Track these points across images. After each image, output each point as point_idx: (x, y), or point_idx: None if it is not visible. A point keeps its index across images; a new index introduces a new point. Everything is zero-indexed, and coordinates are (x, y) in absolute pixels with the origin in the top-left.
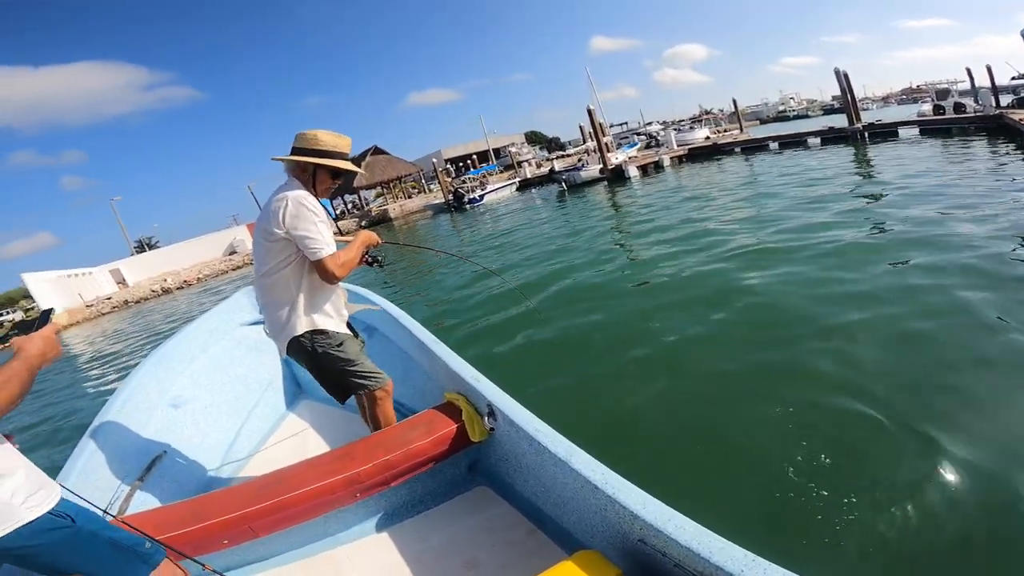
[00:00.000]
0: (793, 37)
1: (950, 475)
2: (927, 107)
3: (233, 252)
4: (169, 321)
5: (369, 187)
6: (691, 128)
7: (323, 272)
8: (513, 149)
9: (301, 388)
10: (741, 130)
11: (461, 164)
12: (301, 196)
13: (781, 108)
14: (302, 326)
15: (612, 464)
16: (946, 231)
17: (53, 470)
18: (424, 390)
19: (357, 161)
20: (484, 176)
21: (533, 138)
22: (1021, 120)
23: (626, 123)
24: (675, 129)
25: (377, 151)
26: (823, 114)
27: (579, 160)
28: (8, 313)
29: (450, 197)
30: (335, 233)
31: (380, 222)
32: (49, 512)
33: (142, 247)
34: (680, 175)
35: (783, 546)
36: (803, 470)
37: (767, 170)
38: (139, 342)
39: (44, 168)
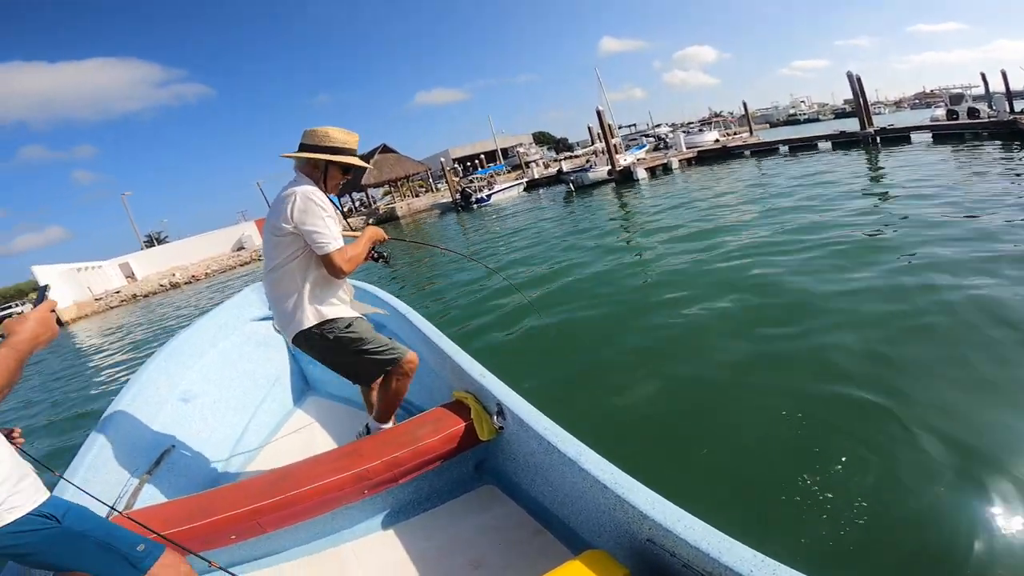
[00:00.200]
0: (805, 40)
1: (970, 478)
2: (940, 112)
3: (241, 248)
4: (178, 315)
5: (377, 185)
6: (700, 130)
7: (330, 266)
8: (521, 149)
9: (309, 384)
10: (751, 133)
11: (469, 164)
12: (309, 192)
13: (792, 111)
14: (310, 319)
15: (617, 461)
16: (950, 234)
17: (61, 463)
18: (432, 388)
19: (366, 159)
20: (492, 176)
21: (541, 139)
22: None
23: (634, 125)
24: (684, 131)
25: (386, 149)
26: (834, 118)
27: (587, 161)
28: (17, 305)
29: (457, 196)
30: (344, 229)
31: (387, 220)
32: (32, 512)
33: (151, 242)
34: (689, 178)
35: (792, 547)
36: (814, 470)
37: (776, 174)
38: (145, 336)
39: (56, 162)
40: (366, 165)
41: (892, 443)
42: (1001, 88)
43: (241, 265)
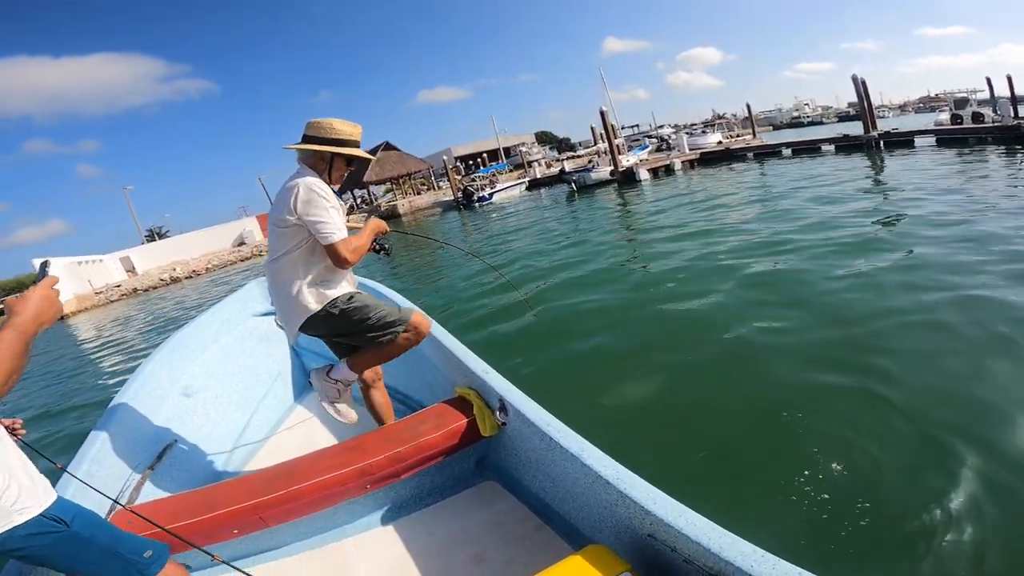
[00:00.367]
0: (810, 43)
1: (968, 480)
2: (945, 116)
3: (242, 243)
4: (179, 308)
5: (379, 182)
6: (703, 132)
7: (335, 256)
8: (523, 148)
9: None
10: (754, 135)
11: (471, 162)
12: (312, 183)
13: (795, 114)
14: (313, 303)
15: (609, 450)
16: (948, 235)
17: (54, 453)
18: (434, 384)
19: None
20: (494, 175)
21: (543, 138)
22: None
23: (637, 125)
24: (687, 133)
25: (388, 147)
26: (838, 121)
27: (589, 161)
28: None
29: (459, 195)
30: (364, 218)
31: (388, 218)
32: (42, 515)
33: (153, 236)
34: (691, 179)
35: (795, 544)
36: (815, 469)
37: (779, 176)
38: (146, 329)
39: (59, 156)
40: (370, 157)
41: (892, 434)
42: (1006, 93)
43: (242, 260)
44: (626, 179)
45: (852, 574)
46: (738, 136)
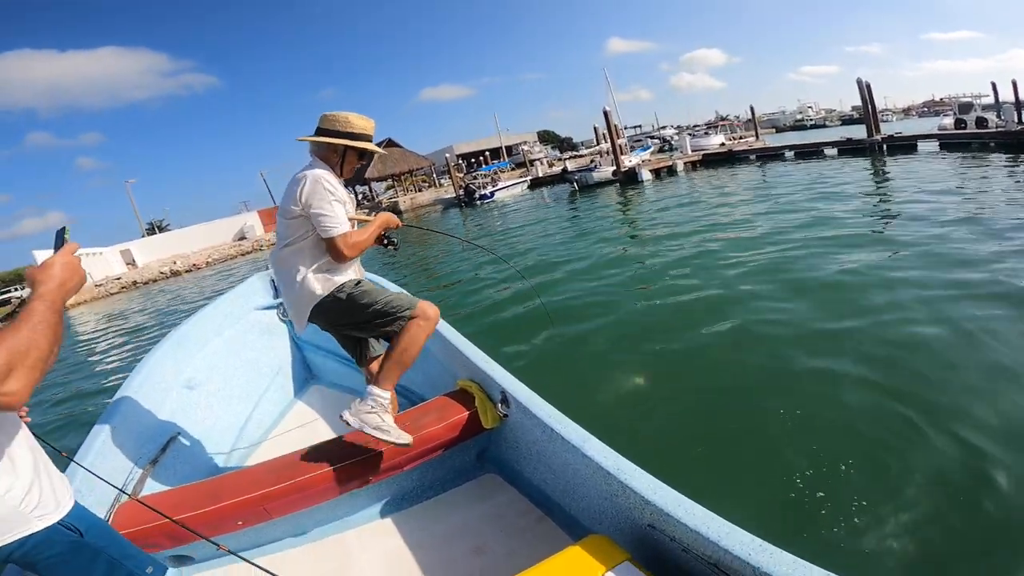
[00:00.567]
0: (815, 46)
1: (965, 471)
2: (948, 120)
3: (243, 238)
4: (177, 301)
5: (380, 179)
6: (706, 133)
7: (333, 250)
8: (525, 147)
9: (312, 373)
10: (757, 137)
11: (473, 160)
12: (320, 175)
13: (799, 117)
14: (319, 289)
15: (604, 437)
16: (945, 235)
17: (69, 450)
18: (436, 377)
19: None
20: (496, 173)
21: (545, 137)
22: None
23: (639, 126)
24: (690, 134)
25: (391, 143)
26: (841, 124)
27: (592, 161)
28: (17, 289)
29: (461, 192)
30: (365, 213)
31: None
32: (59, 523)
33: (153, 229)
34: (693, 180)
35: (792, 533)
36: (812, 462)
37: (781, 178)
38: (146, 321)
39: (60, 148)
40: (383, 152)
41: (892, 424)
42: (1011, 98)
43: (242, 255)
44: (628, 179)
45: (848, 561)
46: (741, 138)
